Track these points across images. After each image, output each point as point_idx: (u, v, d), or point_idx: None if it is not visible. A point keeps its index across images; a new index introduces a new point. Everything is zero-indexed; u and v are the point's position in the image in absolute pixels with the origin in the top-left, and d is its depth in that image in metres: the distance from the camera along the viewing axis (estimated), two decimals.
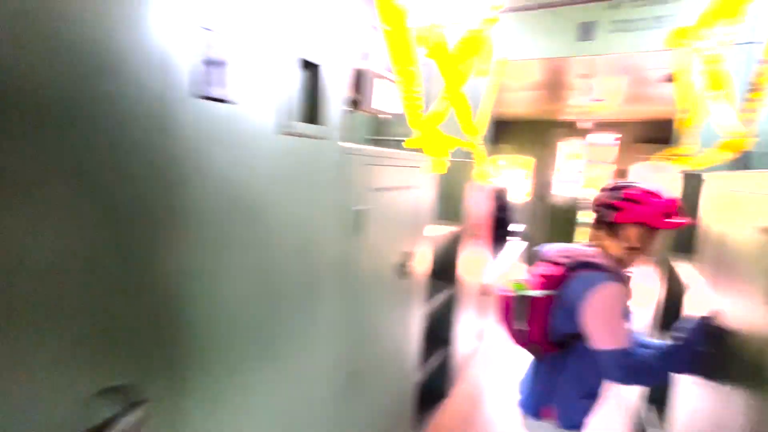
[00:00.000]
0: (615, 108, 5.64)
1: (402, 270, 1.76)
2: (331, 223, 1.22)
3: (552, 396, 1.47)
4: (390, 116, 2.36)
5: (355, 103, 2.17)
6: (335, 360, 1.35)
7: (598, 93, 4.81)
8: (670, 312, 2.08)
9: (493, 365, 3.55)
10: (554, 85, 4.53)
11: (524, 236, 6.38)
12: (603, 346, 1.30)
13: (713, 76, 1.74)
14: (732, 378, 1.16)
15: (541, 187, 7.26)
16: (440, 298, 2.63)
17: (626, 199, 1.37)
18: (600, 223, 1.45)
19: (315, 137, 1.08)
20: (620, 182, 1.46)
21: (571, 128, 7.03)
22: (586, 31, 3.02)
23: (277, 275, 1.01)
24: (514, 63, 3.30)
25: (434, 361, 2.68)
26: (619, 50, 2.95)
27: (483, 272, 3.64)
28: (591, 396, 1.47)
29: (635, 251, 1.41)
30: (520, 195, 7.26)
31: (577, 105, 5.57)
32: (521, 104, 5.89)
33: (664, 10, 2.83)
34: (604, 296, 1.31)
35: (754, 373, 1.02)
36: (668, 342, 1.36)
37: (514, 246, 5.47)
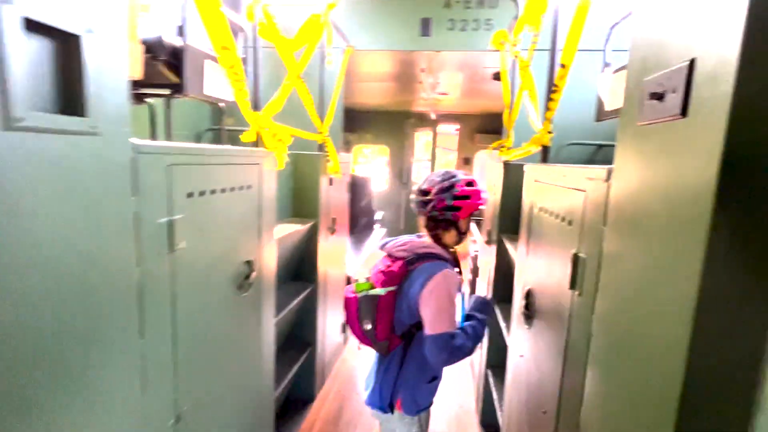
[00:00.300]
0: (456, 101, 6.22)
1: (243, 281, 1.55)
2: (123, 243, 0.94)
3: (398, 387, 1.49)
4: (226, 105, 2.07)
5: (175, 88, 1.82)
6: (153, 406, 1.09)
7: (442, 87, 5.20)
8: (501, 284, 2.35)
9: (361, 357, 3.59)
10: (404, 77, 4.73)
11: (384, 223, 6.65)
12: (434, 332, 1.35)
13: (524, 77, 1.95)
14: (545, 346, 1.31)
15: (400, 174, 7.66)
16: (298, 298, 2.49)
17: (460, 198, 1.46)
18: (436, 221, 1.51)
19: (78, 133, 0.80)
20: (441, 179, 1.51)
21: (423, 119, 7.55)
22: (425, 27, 3.16)
23: (30, 326, 0.72)
24: (363, 53, 3.29)
25: (297, 366, 2.54)
26: (452, 47, 3.18)
27: (345, 264, 3.62)
28: (435, 378, 1.55)
29: (465, 235, 1.59)
30: (381, 183, 7.54)
31: (426, 97, 5.96)
32: (376, 95, 6.04)
33: (490, 14, 3.14)
34: (441, 284, 1.37)
35: (557, 342, 1.15)
36: (469, 321, 1.51)
37: (377, 234, 5.64)
